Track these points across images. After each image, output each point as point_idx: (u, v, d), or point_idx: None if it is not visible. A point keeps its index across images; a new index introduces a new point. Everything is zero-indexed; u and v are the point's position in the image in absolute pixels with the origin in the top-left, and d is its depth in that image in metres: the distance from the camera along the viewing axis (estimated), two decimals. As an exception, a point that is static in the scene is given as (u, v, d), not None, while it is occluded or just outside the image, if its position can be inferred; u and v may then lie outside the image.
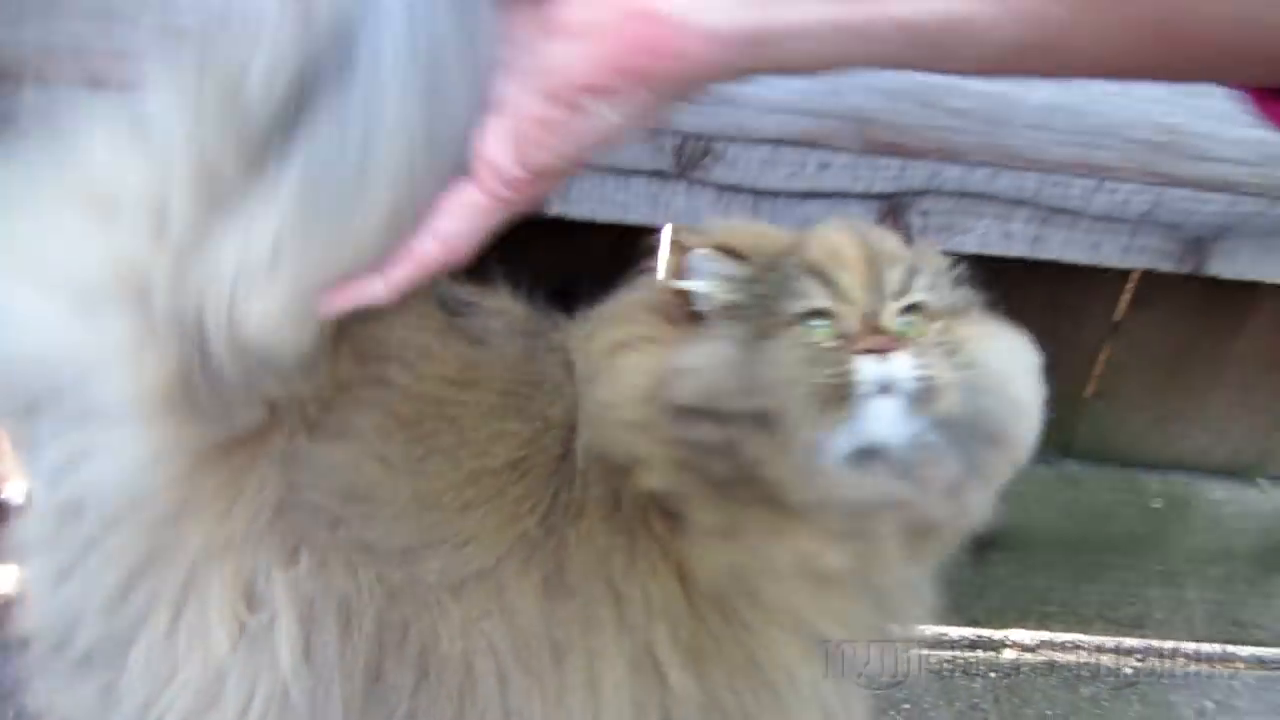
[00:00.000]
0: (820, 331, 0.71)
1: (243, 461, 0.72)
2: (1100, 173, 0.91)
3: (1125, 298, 1.18)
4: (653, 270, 0.82)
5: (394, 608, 0.75)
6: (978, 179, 0.91)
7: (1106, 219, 0.93)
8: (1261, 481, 1.32)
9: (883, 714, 1.25)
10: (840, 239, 0.74)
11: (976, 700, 1.30)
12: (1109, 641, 1.44)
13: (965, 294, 0.80)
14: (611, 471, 0.77)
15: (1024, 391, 0.76)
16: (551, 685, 0.77)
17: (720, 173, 0.89)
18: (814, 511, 0.72)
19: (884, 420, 0.69)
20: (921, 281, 0.74)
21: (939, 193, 0.91)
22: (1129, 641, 1.44)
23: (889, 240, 0.77)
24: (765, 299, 0.74)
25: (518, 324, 0.86)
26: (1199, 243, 0.95)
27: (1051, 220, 0.93)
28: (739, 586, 0.76)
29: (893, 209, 0.92)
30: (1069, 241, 0.94)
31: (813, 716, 0.80)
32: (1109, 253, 0.95)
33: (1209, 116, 0.89)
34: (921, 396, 0.69)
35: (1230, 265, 0.97)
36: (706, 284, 0.76)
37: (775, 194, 0.91)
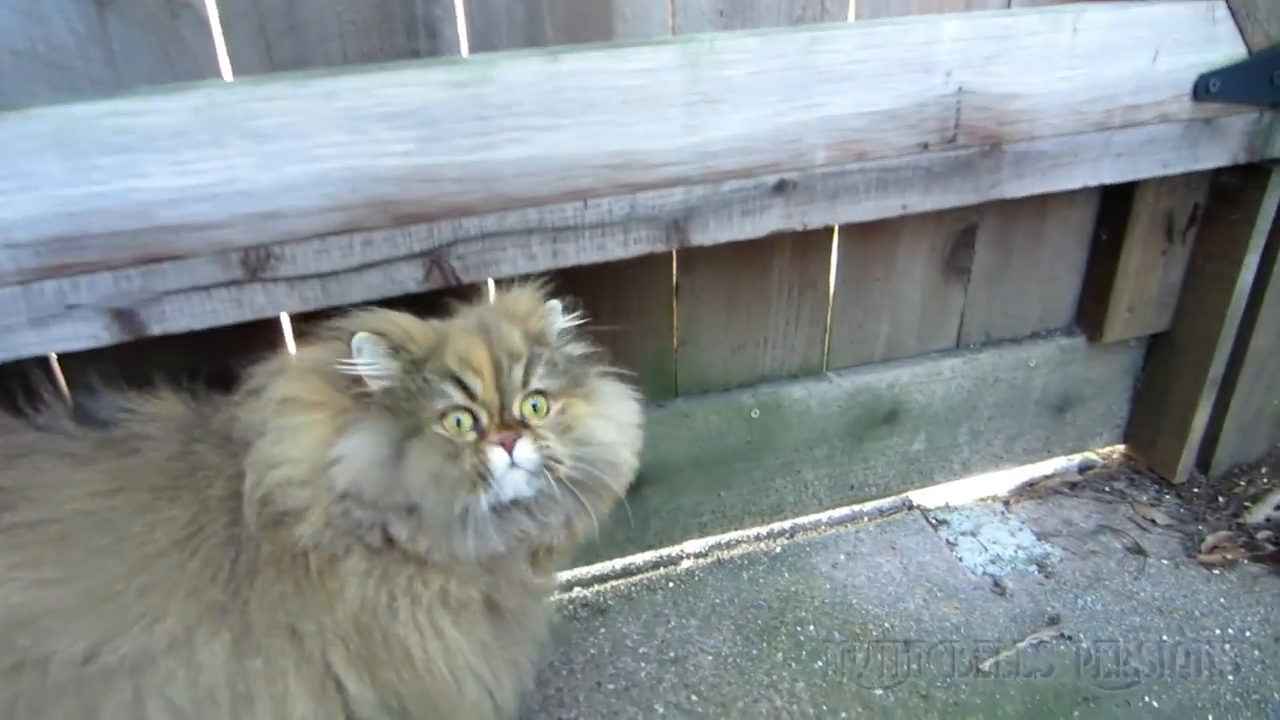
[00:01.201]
0: (460, 425, 0.94)
1: None
2: (582, 195, 1.19)
3: (675, 265, 1.49)
4: (323, 339, 1.01)
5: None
6: (491, 223, 1.16)
7: (601, 226, 1.21)
8: (829, 374, 1.69)
9: (585, 639, 1.52)
10: (471, 345, 0.97)
11: (659, 608, 1.60)
12: (763, 530, 1.77)
13: (580, 362, 1.07)
14: (275, 524, 0.97)
15: (622, 452, 1.03)
16: None
17: (286, 269, 1.10)
18: (454, 564, 0.98)
19: (514, 485, 0.95)
20: (540, 371, 0.99)
21: (466, 240, 1.16)
22: (779, 525, 1.79)
23: (514, 337, 0.99)
24: (413, 396, 0.96)
25: (174, 423, 1.04)
26: (676, 225, 1.25)
27: (560, 237, 1.20)
28: (386, 607, 0.99)
29: (434, 261, 1.16)
30: (580, 250, 1.22)
31: (470, 688, 1.05)
32: (613, 250, 1.23)
33: (646, 138, 1.18)
34: (543, 469, 0.95)
35: (705, 235, 1.27)
36: (367, 367, 0.97)
37: (337, 273, 1.12)
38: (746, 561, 1.71)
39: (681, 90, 1.17)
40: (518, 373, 0.97)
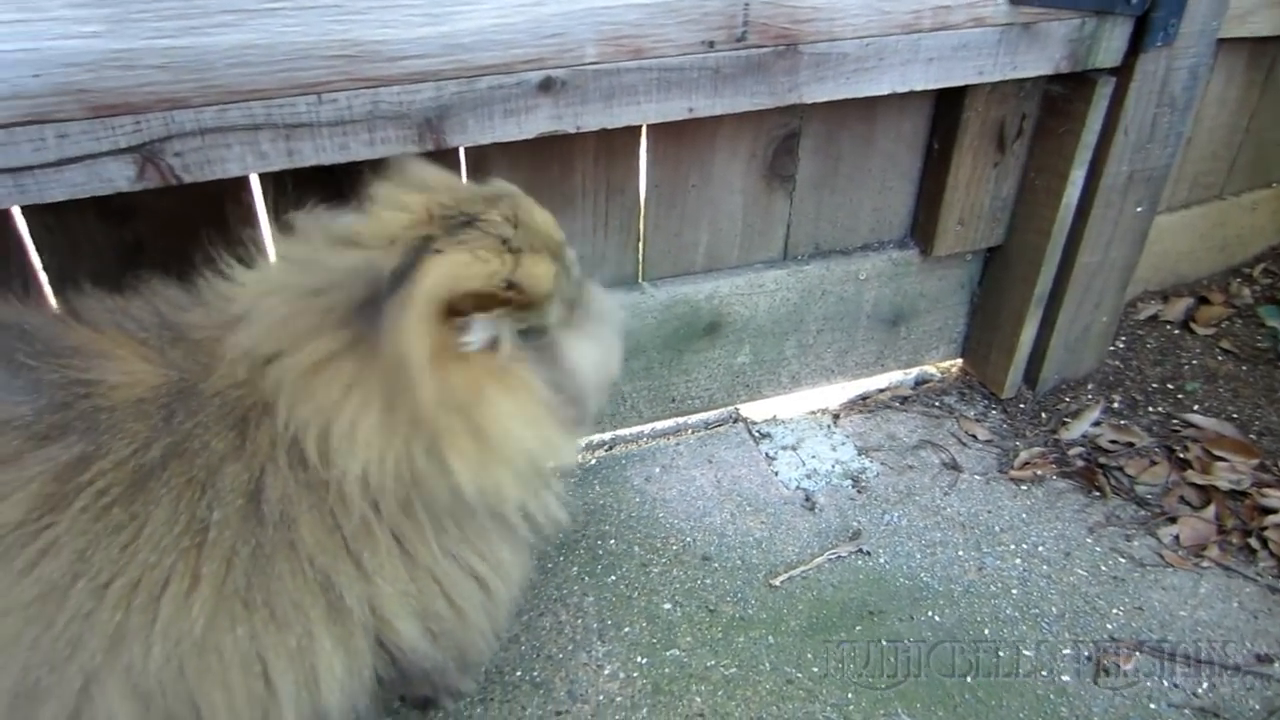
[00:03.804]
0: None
1: None
2: (314, 89, 1.09)
3: (463, 166, 1.41)
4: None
5: None
6: (210, 118, 1.06)
7: (341, 123, 1.12)
8: (644, 284, 1.63)
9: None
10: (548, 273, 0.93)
11: (454, 523, 1.57)
12: (581, 442, 1.74)
13: None
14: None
15: None
16: (245, 696, 0.88)
17: (-35, 162, 1.00)
18: None
19: None
20: None
21: (182, 135, 1.06)
22: (599, 437, 1.75)
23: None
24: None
25: (150, 399, 0.87)
26: (429, 124, 1.16)
27: (295, 135, 1.11)
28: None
29: (147, 158, 1.06)
30: (319, 149, 1.13)
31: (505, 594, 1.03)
32: (358, 150, 1.15)
33: (383, 26, 1.08)
34: None
35: (463, 135, 1.19)
36: (488, 338, 0.90)
37: (31, 168, 1.02)
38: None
39: (419, -27, 1.07)
40: None
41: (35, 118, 1.00)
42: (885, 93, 1.39)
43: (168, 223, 1.24)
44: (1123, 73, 1.54)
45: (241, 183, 1.25)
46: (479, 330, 0.88)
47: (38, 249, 1.21)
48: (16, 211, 1.17)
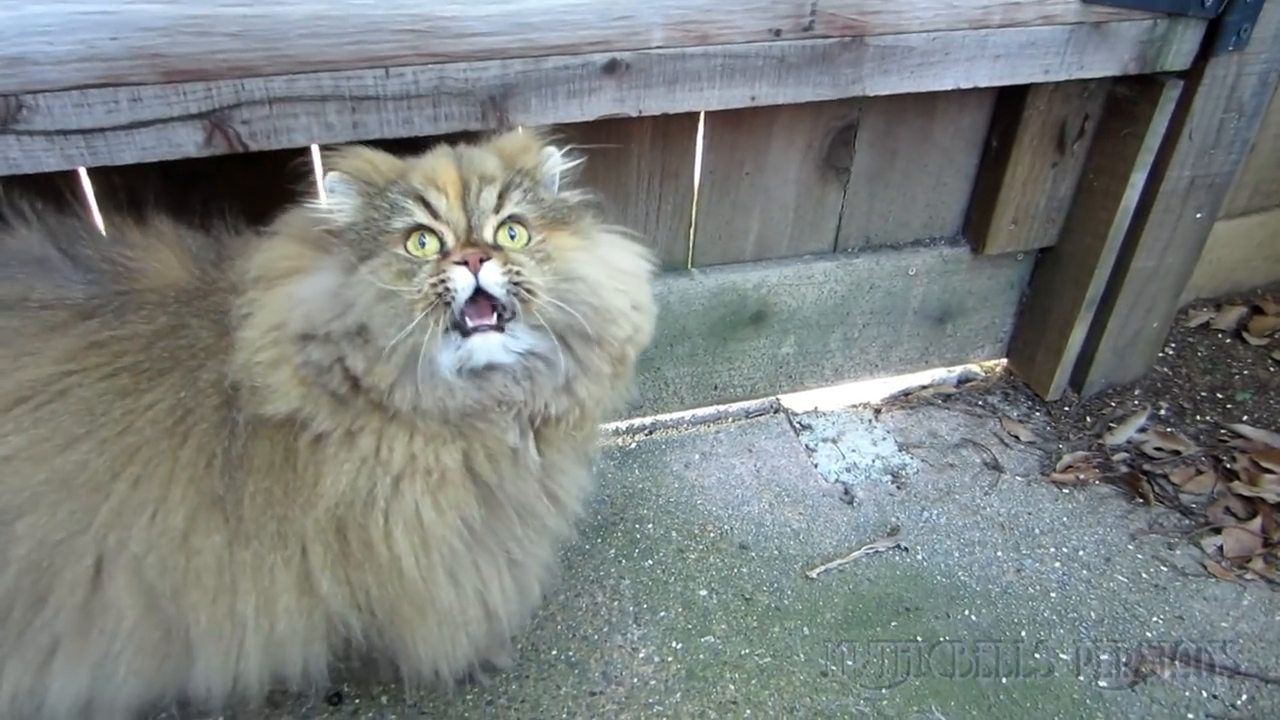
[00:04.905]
0: (424, 247, 0.87)
1: None
2: (382, 62, 1.09)
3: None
4: (309, 197, 0.94)
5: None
6: (279, 87, 1.07)
7: (406, 98, 1.13)
8: (693, 270, 1.63)
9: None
10: (438, 165, 0.90)
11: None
12: (623, 425, 1.75)
13: (571, 203, 0.97)
14: (260, 415, 0.89)
15: (611, 296, 0.92)
16: (224, 608, 0.92)
17: (42, 122, 1.01)
18: (418, 416, 0.89)
19: (489, 351, 0.86)
20: (516, 197, 0.90)
21: (251, 103, 1.07)
22: (640, 420, 1.76)
23: (488, 162, 0.91)
24: (375, 222, 0.88)
25: (170, 291, 0.95)
26: (493, 101, 1.16)
27: (361, 108, 1.12)
28: (365, 495, 0.91)
29: (215, 124, 1.07)
30: (384, 122, 1.13)
31: (443, 590, 0.98)
32: (422, 124, 1.15)
33: (450, 1, 1.09)
34: (514, 300, 0.85)
35: (526, 115, 1.19)
36: (332, 206, 0.90)
37: (103, 130, 1.04)
38: (599, 456, 1.68)
39: (491, -50, 1.07)
40: (489, 195, 0.88)
41: (110, 80, 1.01)
42: (949, 88, 1.38)
43: (232, 190, 1.24)
44: (1191, 76, 1.51)
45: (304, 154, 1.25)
46: (337, 191, 0.91)
47: (101, 209, 1.23)
48: (82, 171, 1.19)
